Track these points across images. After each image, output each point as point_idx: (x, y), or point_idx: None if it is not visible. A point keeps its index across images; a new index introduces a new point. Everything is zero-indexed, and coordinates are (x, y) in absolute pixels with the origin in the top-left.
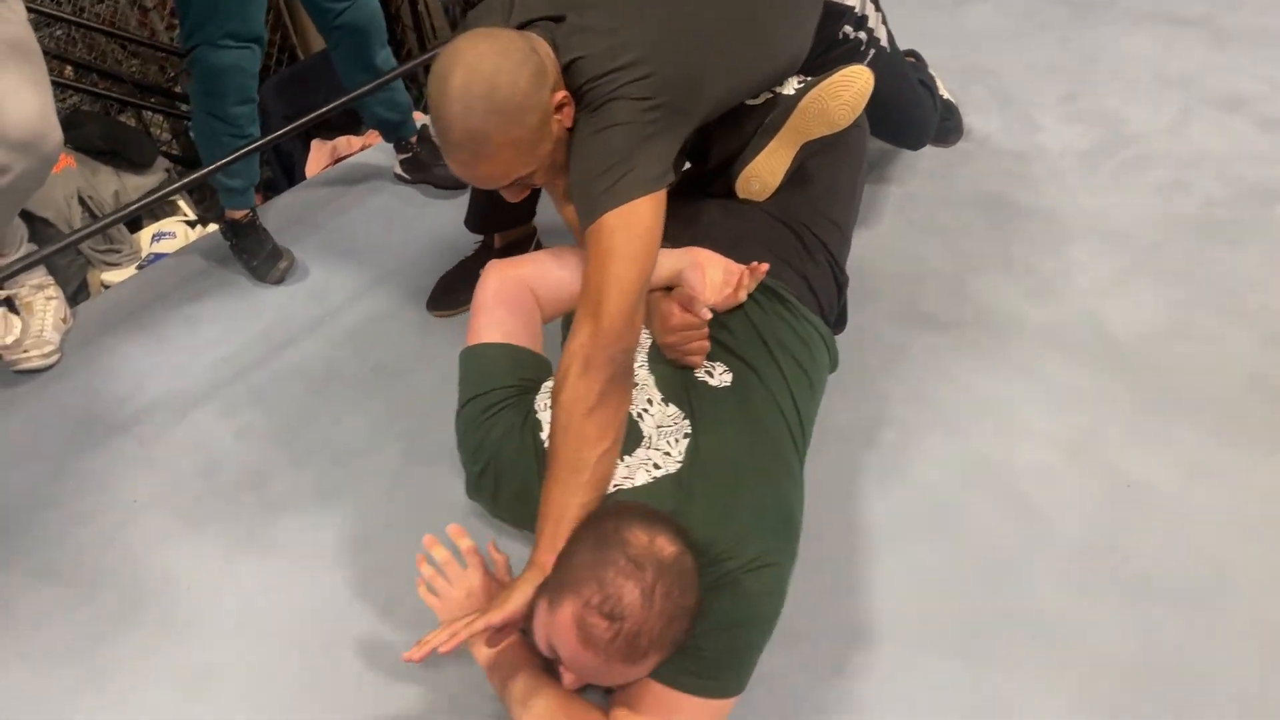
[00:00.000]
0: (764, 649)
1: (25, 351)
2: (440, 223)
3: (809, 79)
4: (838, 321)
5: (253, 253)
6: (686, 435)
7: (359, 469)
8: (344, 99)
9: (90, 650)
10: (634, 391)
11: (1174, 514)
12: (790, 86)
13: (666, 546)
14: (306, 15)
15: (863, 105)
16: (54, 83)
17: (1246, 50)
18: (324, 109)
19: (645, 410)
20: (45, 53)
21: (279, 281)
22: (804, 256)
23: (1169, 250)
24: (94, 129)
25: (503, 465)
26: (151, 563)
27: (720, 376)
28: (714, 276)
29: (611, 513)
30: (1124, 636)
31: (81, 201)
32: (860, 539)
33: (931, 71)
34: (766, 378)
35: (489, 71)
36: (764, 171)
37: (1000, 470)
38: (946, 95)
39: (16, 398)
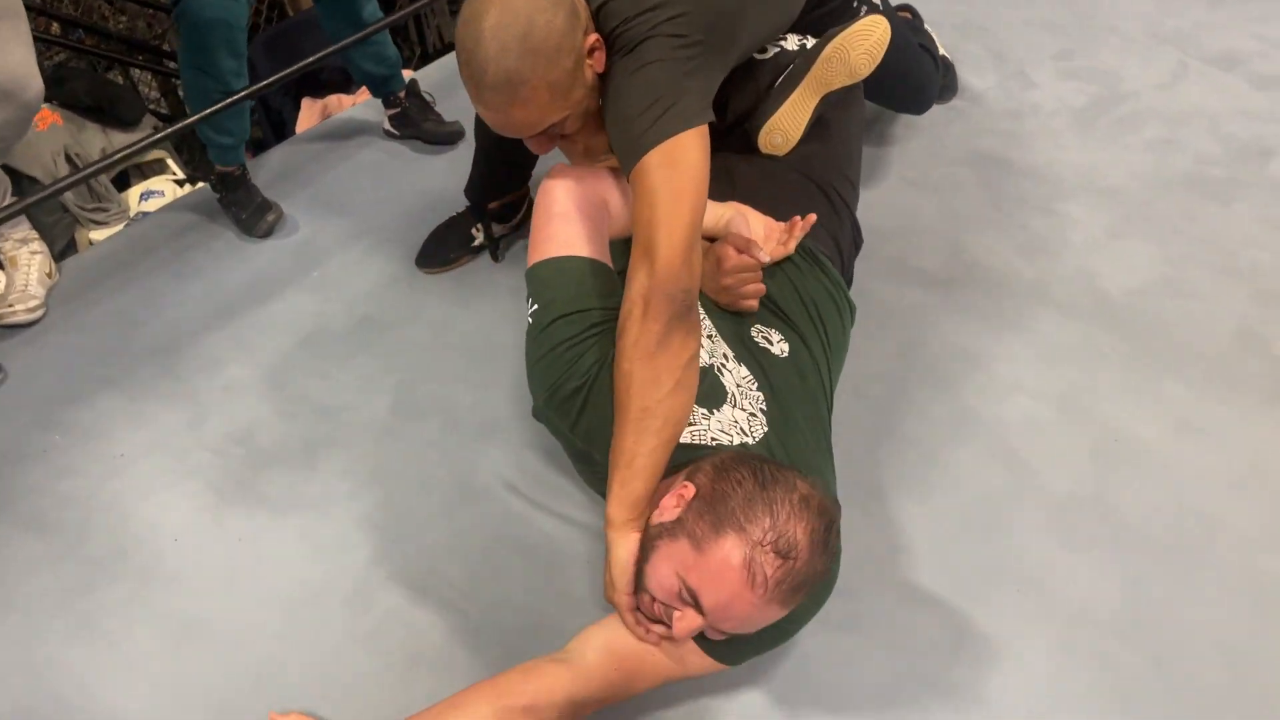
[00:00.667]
0: None
1: (10, 306)
2: (429, 178)
3: (813, 37)
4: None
5: (241, 205)
6: (763, 409)
7: (346, 422)
8: (329, 49)
9: (78, 600)
10: (707, 343)
11: (1161, 467)
12: (792, 42)
13: (822, 493)
14: None
15: (882, 54)
16: (39, 39)
17: (1242, 8)
18: (309, 59)
19: (724, 365)
20: (30, 8)
21: (267, 234)
22: (833, 217)
23: (1161, 207)
24: (80, 85)
25: (595, 394)
26: (138, 514)
27: (779, 345)
28: (756, 229)
29: (760, 458)
30: (1108, 587)
31: (69, 159)
32: (848, 490)
33: (928, 28)
34: (814, 350)
35: (524, 11)
36: (788, 124)
37: (989, 424)
38: (943, 52)
39: (2, 352)
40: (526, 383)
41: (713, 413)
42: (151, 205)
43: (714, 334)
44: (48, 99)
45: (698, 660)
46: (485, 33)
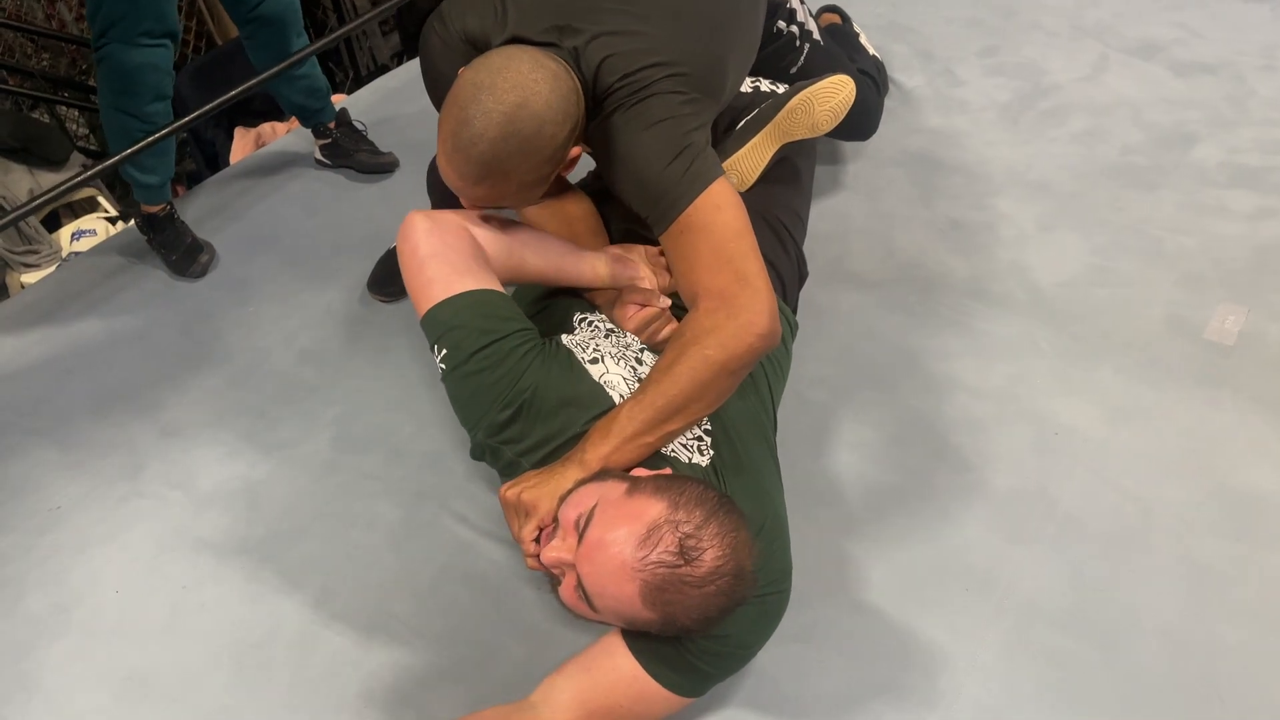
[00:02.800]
0: None
1: None
2: (362, 206)
3: (762, 79)
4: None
5: (171, 247)
6: (706, 429)
7: (286, 459)
8: (256, 80)
9: (17, 659)
10: (652, 359)
11: (1099, 456)
12: (745, 85)
13: (749, 559)
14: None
15: (845, 113)
16: None
17: None
18: (234, 92)
19: None
20: None
21: (199, 276)
22: (777, 249)
23: (1089, 198)
24: (4, 126)
25: (533, 410)
26: (77, 567)
27: None
28: (643, 268)
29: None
30: (1053, 580)
31: None
32: (793, 497)
33: (857, 28)
34: (755, 376)
35: (540, 116)
36: (745, 166)
37: (931, 424)
38: (873, 51)
39: None
40: None
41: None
42: (84, 245)
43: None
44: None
45: (663, 703)
46: (495, 115)
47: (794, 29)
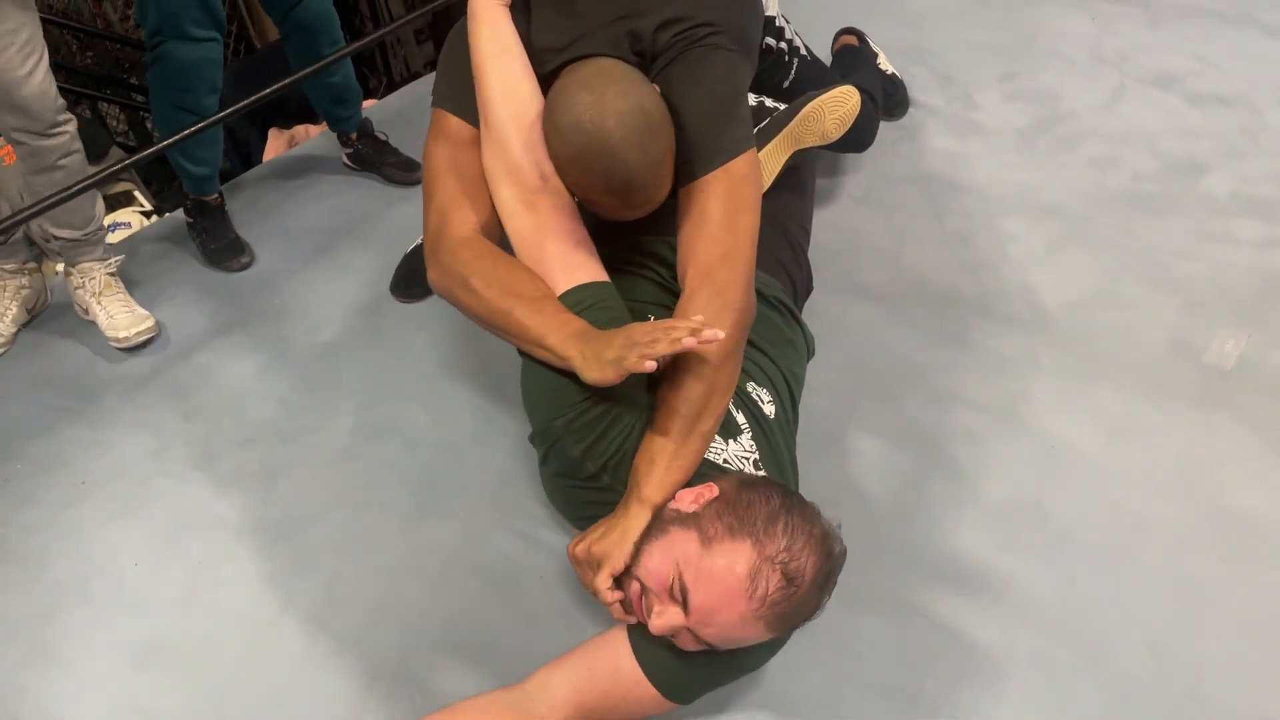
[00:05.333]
0: None
1: None
2: (388, 207)
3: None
4: None
5: (214, 235)
6: (757, 458)
7: (305, 445)
8: (286, 81)
9: (39, 626)
10: None
11: (1095, 472)
12: (750, 99)
13: (836, 537)
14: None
15: (850, 123)
16: None
17: (1179, 28)
18: (267, 90)
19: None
20: None
21: (234, 271)
22: (791, 260)
23: (1099, 222)
24: None
25: (618, 418)
26: (99, 540)
27: (769, 405)
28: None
29: (778, 483)
30: (1043, 589)
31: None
32: None
33: (875, 47)
34: (788, 412)
35: (634, 105)
36: (763, 170)
37: (931, 435)
38: (891, 70)
39: None
40: (486, 403)
41: (728, 442)
42: (118, 237)
43: None
44: None
45: (655, 705)
46: (616, 143)
47: (782, 45)
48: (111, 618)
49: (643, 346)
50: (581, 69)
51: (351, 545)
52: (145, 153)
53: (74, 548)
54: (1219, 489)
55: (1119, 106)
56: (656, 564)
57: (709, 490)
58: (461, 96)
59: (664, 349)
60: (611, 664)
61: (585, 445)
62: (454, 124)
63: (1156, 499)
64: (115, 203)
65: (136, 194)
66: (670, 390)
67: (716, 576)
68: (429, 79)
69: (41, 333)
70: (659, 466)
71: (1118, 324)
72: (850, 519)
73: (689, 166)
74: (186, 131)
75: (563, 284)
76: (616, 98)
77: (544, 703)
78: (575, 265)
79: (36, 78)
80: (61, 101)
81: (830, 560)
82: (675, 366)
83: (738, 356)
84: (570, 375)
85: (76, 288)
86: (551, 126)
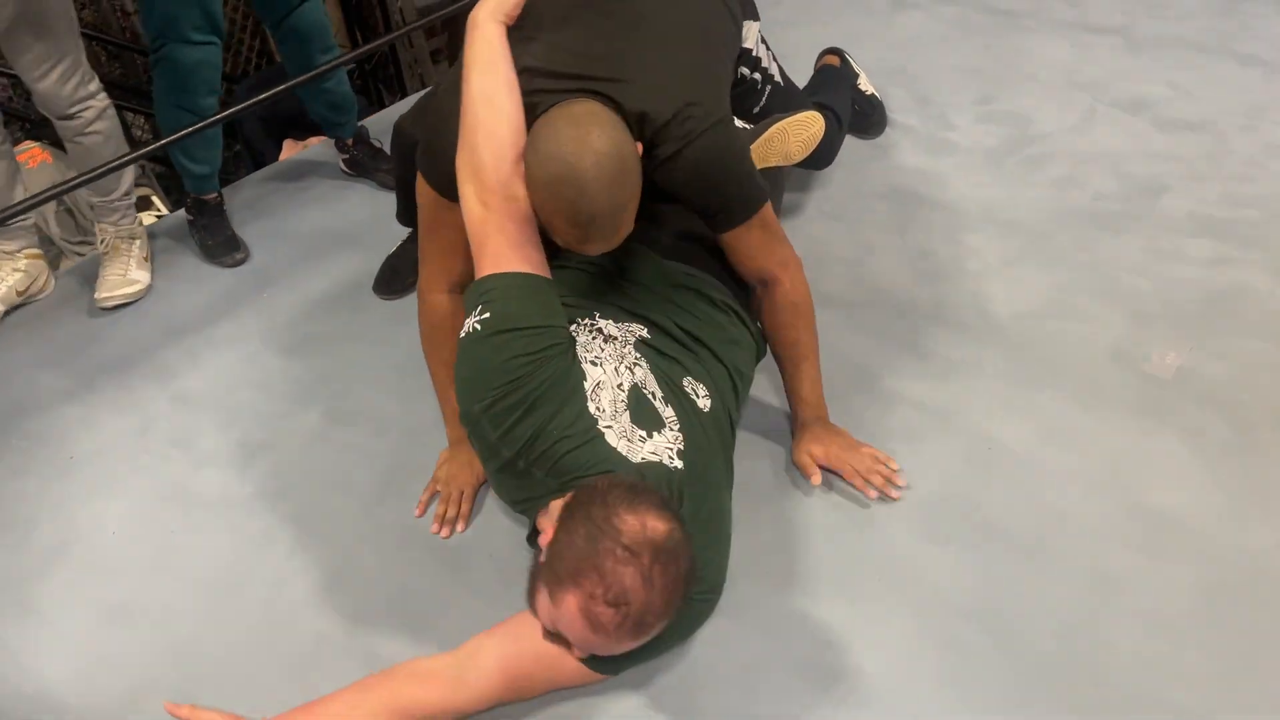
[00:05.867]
0: None
1: None
2: (379, 211)
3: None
4: None
5: (211, 231)
6: (680, 449)
7: (281, 428)
8: (282, 87)
9: (21, 583)
10: (640, 373)
11: (1025, 470)
12: None
13: (658, 526)
14: None
15: (813, 146)
16: None
17: (1156, 56)
18: (263, 95)
19: (655, 397)
20: None
21: (230, 266)
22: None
23: (1057, 238)
24: None
25: (538, 409)
26: (83, 510)
27: (704, 400)
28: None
29: (599, 496)
30: (964, 577)
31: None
32: (740, 494)
33: (857, 68)
34: (729, 406)
35: (613, 150)
36: None
37: (872, 431)
38: (871, 90)
39: None
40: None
41: (650, 436)
42: None
43: (647, 372)
44: (38, 139)
45: (579, 676)
46: (590, 181)
47: (757, 75)
48: (87, 580)
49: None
50: (574, 106)
51: (315, 521)
52: (145, 150)
53: (59, 516)
54: (1140, 489)
55: (1089, 129)
56: (542, 614)
57: (547, 533)
58: (437, 164)
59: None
60: (536, 638)
61: (500, 431)
62: (430, 191)
63: (1080, 496)
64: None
65: (155, 200)
66: (807, 338)
67: (568, 624)
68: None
69: (43, 320)
70: (820, 394)
71: (1064, 334)
72: (787, 508)
73: (731, 220)
74: (185, 130)
75: (485, 271)
76: (599, 139)
77: (473, 670)
78: (504, 258)
79: (48, 80)
80: (80, 94)
81: (655, 556)
82: (803, 323)
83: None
84: (493, 365)
85: (99, 244)
86: (532, 148)
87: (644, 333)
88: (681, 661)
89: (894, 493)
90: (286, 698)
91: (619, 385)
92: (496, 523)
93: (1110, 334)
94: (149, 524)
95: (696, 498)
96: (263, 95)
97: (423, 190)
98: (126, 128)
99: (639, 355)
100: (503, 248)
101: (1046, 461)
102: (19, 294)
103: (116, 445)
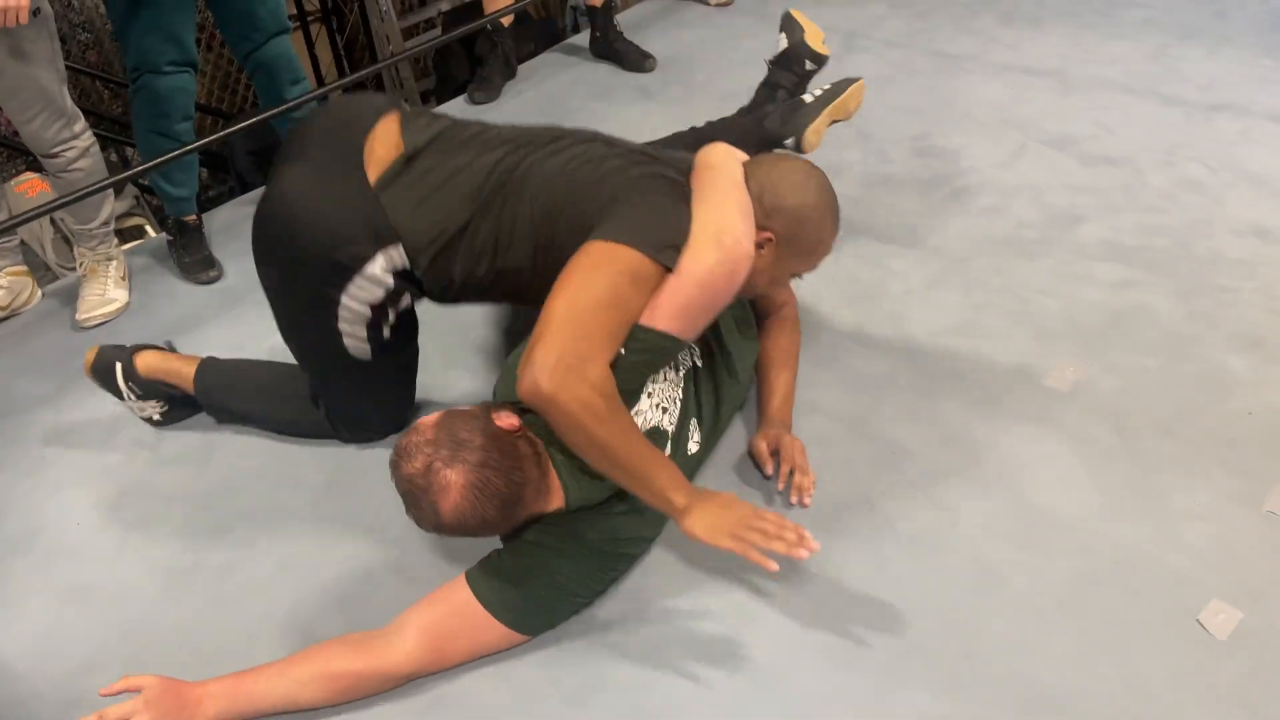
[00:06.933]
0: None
1: None
2: None
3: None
4: None
5: (189, 250)
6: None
7: (240, 431)
8: (251, 120)
9: None
10: (667, 420)
11: (924, 472)
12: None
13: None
14: None
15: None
16: None
17: (1087, 97)
18: (235, 127)
19: (665, 436)
20: None
21: (204, 284)
22: None
23: (976, 263)
24: None
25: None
26: (50, 502)
27: (694, 444)
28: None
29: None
30: (856, 567)
31: (53, 221)
32: None
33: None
34: (707, 445)
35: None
36: (821, 128)
37: None
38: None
39: None
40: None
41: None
42: None
43: (673, 417)
44: (38, 170)
45: (497, 635)
46: (831, 203)
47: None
48: (49, 566)
49: (762, 537)
50: (763, 159)
51: (265, 513)
52: (128, 173)
53: (27, 509)
54: (1031, 490)
55: (1017, 164)
56: None
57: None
58: (649, 235)
59: (780, 549)
60: (451, 601)
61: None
62: (638, 260)
63: (972, 496)
64: (128, 235)
65: (148, 228)
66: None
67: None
68: None
69: (28, 333)
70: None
71: (974, 350)
72: None
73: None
74: (168, 155)
75: (660, 321)
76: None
77: (398, 639)
78: (687, 328)
79: (33, 125)
80: (63, 135)
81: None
82: (785, 331)
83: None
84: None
85: (77, 266)
86: (774, 190)
87: (697, 359)
88: (589, 626)
89: (807, 499)
90: (231, 667)
91: (645, 420)
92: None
93: (1016, 350)
94: (110, 515)
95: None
96: (234, 127)
97: (628, 265)
98: (125, 161)
99: (678, 394)
100: (688, 321)
101: (942, 465)
102: (2, 309)
103: (86, 445)
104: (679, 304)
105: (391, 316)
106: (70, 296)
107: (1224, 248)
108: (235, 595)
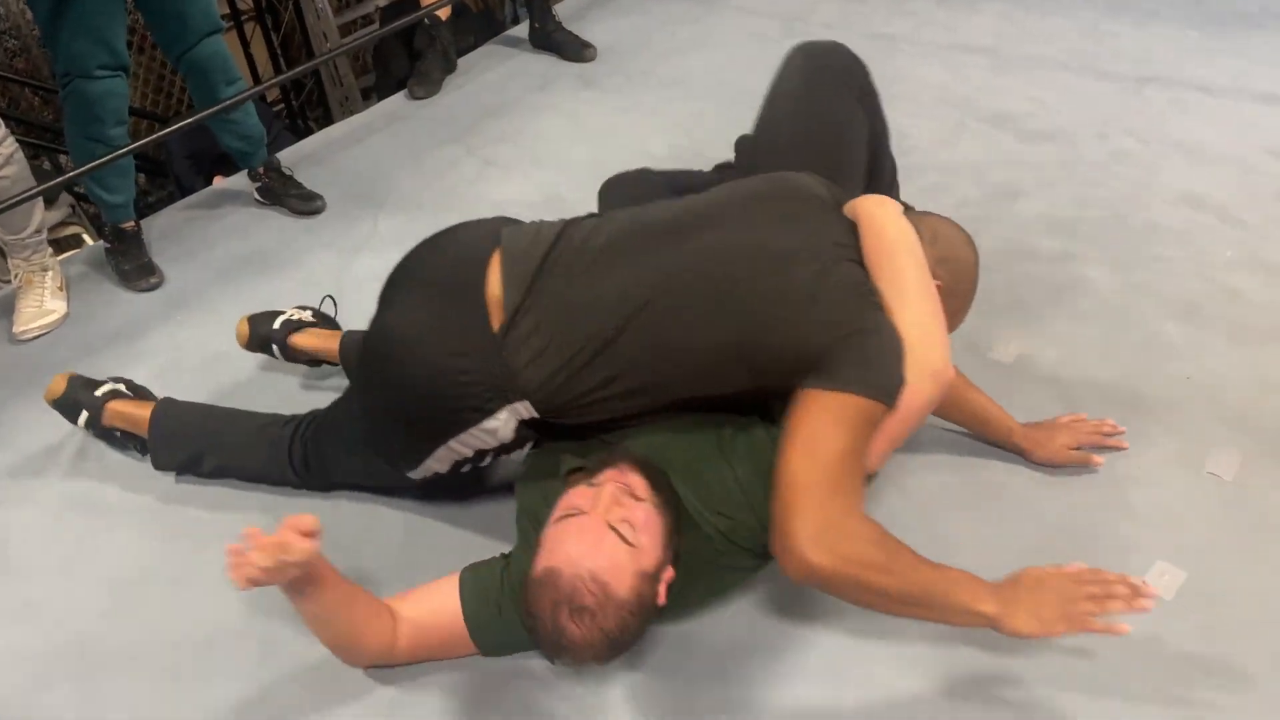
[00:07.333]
0: None
1: None
2: (289, 237)
3: None
4: None
5: (128, 257)
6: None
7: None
8: (186, 121)
9: None
10: None
11: None
12: None
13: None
14: None
15: None
16: None
17: (1022, 74)
18: (168, 130)
19: None
20: None
21: (144, 290)
22: None
23: None
24: None
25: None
26: None
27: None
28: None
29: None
30: None
31: None
32: None
33: None
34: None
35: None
36: None
37: None
38: None
39: None
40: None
41: None
42: None
43: None
44: None
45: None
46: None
47: None
48: None
49: (1094, 604)
50: (912, 217)
51: (212, 524)
52: (59, 179)
53: None
54: (981, 459)
55: (958, 142)
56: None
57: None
58: (879, 380)
59: (1120, 608)
60: (442, 611)
61: None
62: (871, 408)
63: (919, 468)
64: (65, 245)
65: (85, 236)
66: None
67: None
68: (340, 125)
69: None
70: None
71: None
72: None
73: None
74: (102, 159)
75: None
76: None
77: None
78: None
79: None
80: None
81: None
82: None
83: None
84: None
85: (12, 278)
86: (943, 259)
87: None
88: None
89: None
90: (186, 678)
91: None
92: (387, 517)
93: (962, 325)
94: (57, 527)
95: None
96: (168, 129)
97: (871, 417)
98: (59, 168)
99: None
100: (889, 451)
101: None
102: None
103: (29, 460)
104: (889, 438)
105: (489, 460)
106: (6, 309)
107: (1158, 217)
108: (188, 605)
